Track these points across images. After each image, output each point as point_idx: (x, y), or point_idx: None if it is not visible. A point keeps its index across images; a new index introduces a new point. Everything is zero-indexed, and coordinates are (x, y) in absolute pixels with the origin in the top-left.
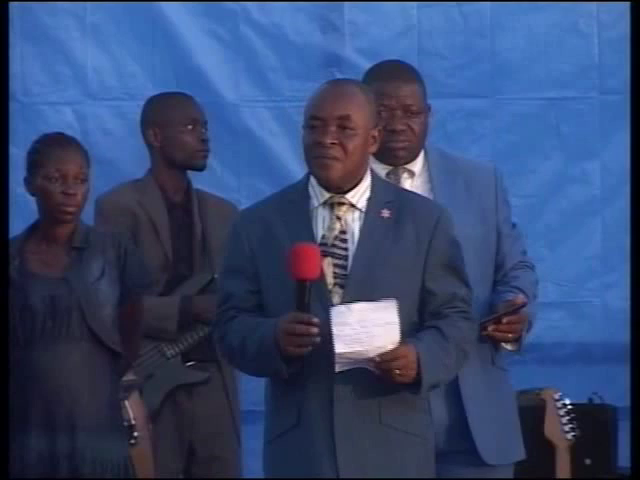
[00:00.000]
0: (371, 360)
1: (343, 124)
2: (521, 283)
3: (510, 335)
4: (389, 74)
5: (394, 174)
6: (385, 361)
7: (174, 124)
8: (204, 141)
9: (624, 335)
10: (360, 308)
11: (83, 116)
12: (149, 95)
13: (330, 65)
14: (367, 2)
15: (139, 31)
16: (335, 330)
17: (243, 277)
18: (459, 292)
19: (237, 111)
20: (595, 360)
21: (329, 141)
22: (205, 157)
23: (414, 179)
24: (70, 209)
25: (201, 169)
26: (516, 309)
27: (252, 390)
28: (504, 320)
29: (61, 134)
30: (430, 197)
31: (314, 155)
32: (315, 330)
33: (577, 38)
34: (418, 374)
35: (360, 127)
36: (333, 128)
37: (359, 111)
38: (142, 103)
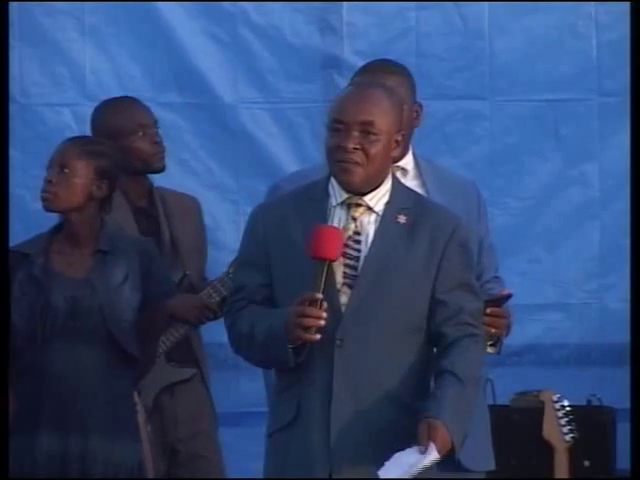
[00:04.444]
0: None
1: (366, 129)
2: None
3: (493, 330)
4: (374, 67)
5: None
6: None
7: (124, 133)
8: (157, 143)
9: (623, 337)
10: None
11: (82, 118)
12: (148, 96)
13: (328, 67)
14: (365, 3)
15: (137, 32)
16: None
17: (256, 269)
18: (468, 305)
19: (235, 112)
20: (594, 362)
21: (351, 146)
22: (162, 158)
23: (406, 179)
24: (44, 195)
25: (160, 171)
26: (500, 299)
27: (248, 392)
28: (488, 310)
29: (86, 136)
30: None
31: (336, 159)
32: (323, 314)
33: (576, 40)
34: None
35: (383, 132)
36: (356, 133)
37: (383, 116)
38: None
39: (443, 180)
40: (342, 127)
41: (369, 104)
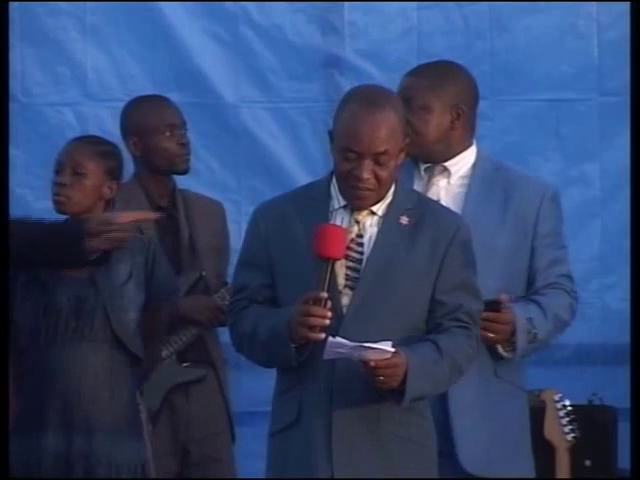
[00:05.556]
0: (361, 360)
1: (379, 158)
2: (543, 300)
3: (491, 335)
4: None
5: (430, 171)
6: (375, 367)
7: (152, 132)
8: (184, 145)
9: (624, 336)
10: (357, 345)
11: (83, 117)
12: None
13: (330, 66)
14: (367, 3)
15: (139, 32)
16: (325, 355)
17: (257, 269)
18: (466, 305)
19: (237, 112)
20: (595, 361)
21: (366, 176)
22: (187, 161)
23: (450, 179)
24: (57, 198)
25: (184, 173)
26: (493, 304)
27: (251, 392)
28: (483, 315)
29: (92, 135)
30: (462, 201)
31: (349, 184)
32: (328, 313)
33: (576, 39)
34: (403, 385)
35: (394, 154)
36: (369, 161)
37: (394, 139)
38: None
39: (498, 182)
40: (354, 156)
41: (382, 132)
